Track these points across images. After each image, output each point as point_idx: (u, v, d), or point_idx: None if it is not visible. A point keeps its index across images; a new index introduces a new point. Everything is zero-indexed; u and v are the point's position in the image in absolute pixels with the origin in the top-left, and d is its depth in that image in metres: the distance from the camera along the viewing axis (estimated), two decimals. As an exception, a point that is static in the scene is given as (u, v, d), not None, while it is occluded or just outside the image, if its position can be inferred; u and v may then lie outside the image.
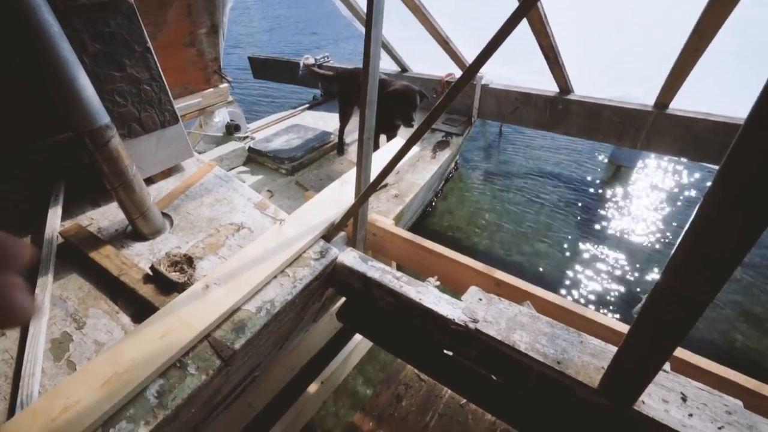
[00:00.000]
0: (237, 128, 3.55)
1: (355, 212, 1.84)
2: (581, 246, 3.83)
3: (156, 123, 1.94)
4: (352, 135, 3.68)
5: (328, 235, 1.88)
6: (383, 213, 2.90)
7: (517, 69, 3.68)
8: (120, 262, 1.58)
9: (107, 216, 1.86)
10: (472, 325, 1.54)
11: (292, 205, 2.80)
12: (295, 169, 3.28)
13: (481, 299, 1.69)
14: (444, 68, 4.09)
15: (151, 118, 1.91)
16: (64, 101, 1.37)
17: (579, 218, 4.25)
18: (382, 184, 2.20)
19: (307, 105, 4.81)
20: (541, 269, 3.60)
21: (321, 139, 3.59)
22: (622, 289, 3.38)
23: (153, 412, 1.23)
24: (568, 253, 3.75)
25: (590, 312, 1.82)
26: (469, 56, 3.65)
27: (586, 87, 3.53)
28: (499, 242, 3.96)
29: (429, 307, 1.64)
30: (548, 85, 3.57)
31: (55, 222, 1.71)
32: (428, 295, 1.70)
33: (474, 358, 1.63)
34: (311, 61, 5.04)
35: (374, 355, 2.71)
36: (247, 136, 3.66)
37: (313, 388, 2.15)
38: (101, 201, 1.96)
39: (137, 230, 1.74)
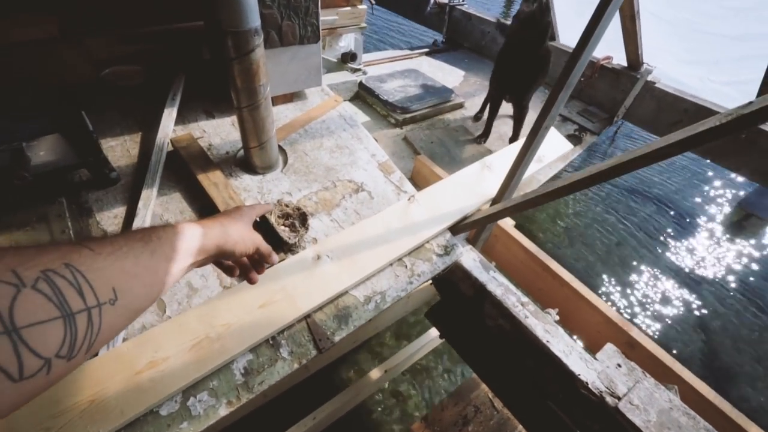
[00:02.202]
0: (353, 57, 3.17)
1: (500, 218, 1.48)
2: (670, 291, 3.21)
3: (295, 36, 1.62)
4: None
5: (455, 229, 1.55)
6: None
7: (706, 73, 2.92)
8: (227, 195, 1.36)
9: (219, 132, 1.64)
10: (610, 400, 1.21)
11: (397, 163, 2.47)
12: (406, 122, 2.90)
13: (620, 365, 1.34)
14: (601, 48, 3.38)
15: (291, 30, 1.59)
16: (216, -14, 1.07)
17: (678, 256, 3.57)
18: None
19: (426, 49, 4.27)
20: (620, 302, 3.09)
21: (441, 95, 3.13)
22: (710, 358, 2.83)
23: (237, 392, 1.04)
24: (651, 294, 3.16)
25: (755, 428, 1.42)
26: (651, 44, 2.92)
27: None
28: (576, 256, 3.43)
29: (556, 355, 1.31)
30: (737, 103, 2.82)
31: (168, 125, 1.50)
32: (558, 339, 1.37)
33: (590, 430, 1.32)
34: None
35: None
36: (360, 69, 3.28)
37: (375, 374, 1.96)
38: (215, 112, 1.73)
39: (249, 160, 1.50)
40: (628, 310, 3.03)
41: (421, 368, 2.44)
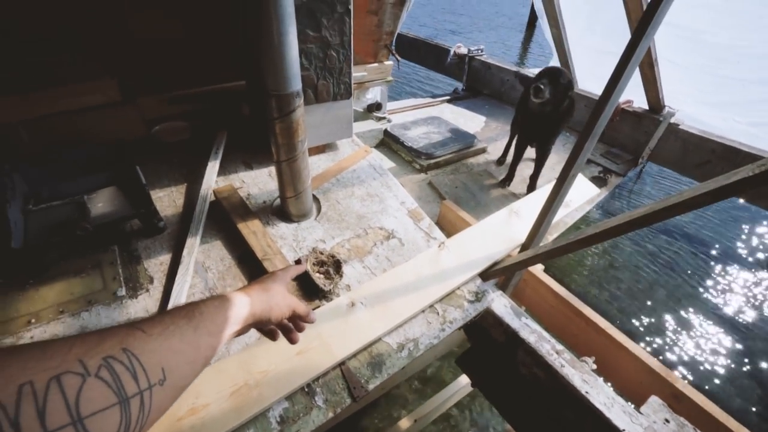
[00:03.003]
0: (378, 107, 3.34)
1: (530, 265, 1.48)
2: (709, 337, 2.99)
3: (329, 94, 1.75)
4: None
5: (485, 275, 1.56)
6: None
7: (724, 115, 2.92)
8: (265, 243, 1.42)
9: (257, 182, 1.74)
10: (660, 461, 1.13)
11: (423, 207, 2.52)
12: (431, 167, 2.98)
13: (668, 420, 1.27)
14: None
15: (326, 89, 1.72)
16: (266, 55, 1.19)
17: (715, 302, 3.35)
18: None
19: (447, 97, 4.46)
20: (653, 347, 2.89)
21: (464, 140, 3.23)
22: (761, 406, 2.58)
23: (273, 441, 1.04)
24: (690, 339, 2.95)
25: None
26: (670, 88, 2.98)
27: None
28: (609, 296, 3.28)
29: (597, 408, 1.26)
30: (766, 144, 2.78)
31: (211, 177, 1.61)
32: (598, 390, 1.31)
33: (640, 495, 1.23)
34: (463, 50, 4.66)
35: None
36: (384, 117, 3.44)
37: (405, 423, 1.90)
38: (253, 163, 1.84)
39: (286, 209, 1.57)
40: (671, 359, 2.86)
41: (450, 418, 2.34)
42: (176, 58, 1.79)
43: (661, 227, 4.19)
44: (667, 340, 2.96)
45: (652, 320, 3.08)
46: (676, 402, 1.62)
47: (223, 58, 1.88)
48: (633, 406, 1.32)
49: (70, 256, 1.32)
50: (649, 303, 3.22)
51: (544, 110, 2.40)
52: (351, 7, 1.59)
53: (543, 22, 3.34)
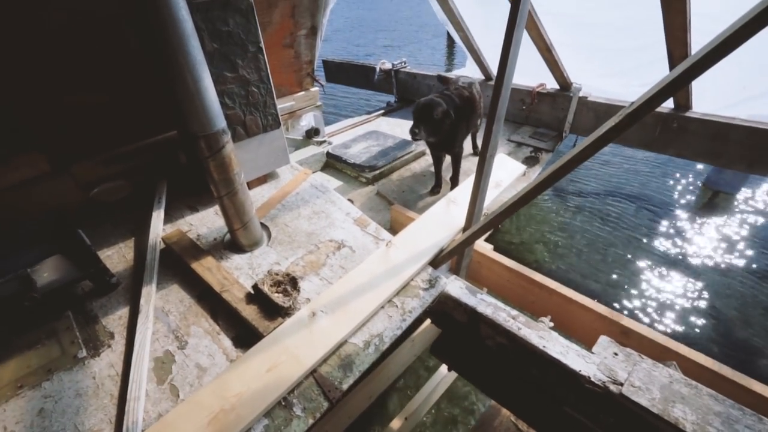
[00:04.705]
0: (316, 132, 3.46)
1: (472, 242, 1.62)
2: (667, 280, 3.30)
3: (259, 127, 1.84)
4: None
5: (435, 262, 1.68)
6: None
7: (623, 81, 3.29)
8: (221, 276, 1.47)
9: (205, 222, 1.79)
10: (614, 388, 1.27)
11: (374, 217, 2.64)
12: (376, 178, 3.12)
13: (616, 353, 1.41)
14: (535, 77, 3.77)
15: (255, 122, 1.82)
16: (185, 102, 1.27)
17: (664, 248, 3.70)
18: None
19: (382, 111, 4.67)
20: (618, 303, 3.14)
21: (402, 148, 3.41)
22: (725, 337, 2.86)
23: (258, 459, 1.08)
24: (650, 287, 3.24)
25: (758, 385, 1.48)
26: (573, 67, 3.32)
27: (705, 104, 3.08)
28: (569, 266, 3.53)
29: (555, 358, 1.39)
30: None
31: (158, 226, 1.65)
32: (553, 342, 1.45)
33: (609, 426, 1.35)
34: (387, 66, 4.92)
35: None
36: (324, 140, 3.56)
37: (396, 424, 1.95)
38: (198, 206, 1.89)
39: (236, 241, 1.63)
40: (634, 308, 3.09)
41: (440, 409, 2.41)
42: (104, 121, 1.82)
43: (605, 191, 4.58)
44: (630, 291, 3.21)
45: (613, 277, 3.34)
46: (626, 338, 1.79)
47: (152, 112, 1.92)
48: (586, 348, 1.45)
49: (23, 331, 1.31)
50: (608, 260, 3.49)
51: (430, 142, 2.63)
52: (262, 45, 1.71)
53: (450, 29, 3.64)
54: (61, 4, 1.50)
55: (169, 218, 1.78)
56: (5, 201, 1.60)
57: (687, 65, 0.94)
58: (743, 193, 4.49)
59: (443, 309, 1.70)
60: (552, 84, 3.69)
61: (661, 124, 3.18)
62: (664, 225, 3.97)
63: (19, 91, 1.57)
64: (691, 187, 4.67)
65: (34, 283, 1.29)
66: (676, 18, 2.27)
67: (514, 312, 1.56)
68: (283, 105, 2.57)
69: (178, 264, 1.54)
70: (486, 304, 1.59)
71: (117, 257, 1.60)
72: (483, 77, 4.14)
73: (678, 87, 0.99)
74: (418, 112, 2.48)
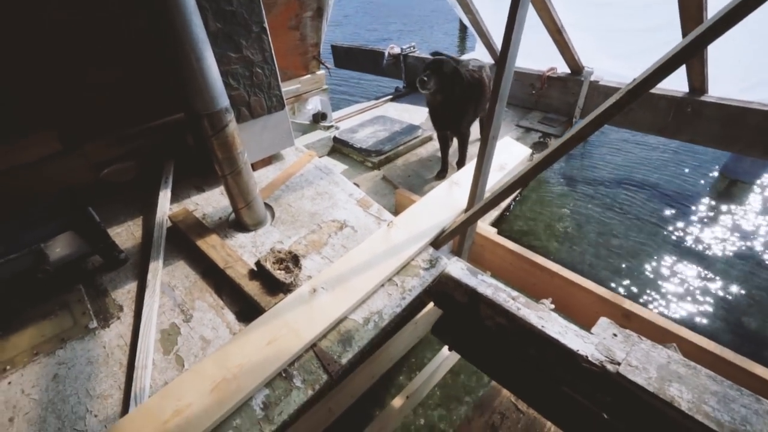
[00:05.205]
0: (324, 117, 3.46)
1: (474, 222, 1.62)
2: (679, 269, 3.24)
3: (263, 108, 1.86)
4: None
5: (436, 242, 1.69)
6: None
7: (632, 64, 3.19)
8: (225, 253, 1.51)
9: (211, 202, 1.82)
10: (611, 367, 1.28)
11: (380, 201, 2.64)
12: (382, 163, 3.12)
13: (615, 334, 1.42)
14: (545, 61, 3.70)
15: (259, 103, 1.83)
16: (188, 80, 1.29)
17: (677, 238, 3.63)
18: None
19: (390, 96, 4.64)
20: (632, 290, 3.11)
21: (408, 132, 3.40)
22: (736, 327, 2.82)
23: (259, 425, 1.12)
24: (663, 276, 3.19)
25: (760, 368, 1.47)
26: (584, 49, 3.24)
27: (722, 88, 2.98)
28: (580, 254, 3.49)
29: (553, 337, 1.40)
30: (674, 84, 3.06)
31: (165, 205, 1.69)
32: (552, 322, 1.46)
33: (606, 405, 1.37)
34: (397, 50, 4.86)
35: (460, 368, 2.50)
36: (332, 125, 3.57)
37: (398, 402, 1.99)
38: (204, 186, 1.92)
39: (240, 220, 1.67)
40: (642, 295, 3.06)
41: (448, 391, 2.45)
42: (117, 101, 1.85)
43: (617, 179, 4.49)
44: (639, 279, 3.18)
45: (623, 265, 3.30)
46: (627, 321, 1.79)
47: (161, 94, 1.95)
48: (585, 329, 1.45)
49: (37, 303, 1.37)
50: (619, 249, 3.45)
51: (436, 99, 2.55)
52: (266, 25, 1.71)
53: (458, 11, 3.57)
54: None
55: (176, 198, 1.82)
56: (18, 178, 1.66)
57: (683, 45, 0.93)
58: (762, 183, 4.37)
59: (444, 289, 1.72)
60: (563, 68, 3.61)
61: (674, 108, 3.10)
62: (678, 214, 3.89)
63: (33, 69, 1.60)
64: (708, 175, 4.55)
65: (47, 257, 1.35)
66: (691, -4, 2.20)
67: (514, 293, 1.57)
68: (288, 88, 2.58)
69: (184, 241, 1.59)
70: (486, 285, 1.60)
71: (126, 234, 1.65)
72: (492, 61, 4.06)
73: (672, 66, 0.97)
74: (430, 64, 2.46)
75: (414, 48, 4.82)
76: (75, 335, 1.28)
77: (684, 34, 2.46)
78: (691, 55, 0.96)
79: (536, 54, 3.55)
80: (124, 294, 1.40)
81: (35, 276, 1.26)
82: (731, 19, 0.85)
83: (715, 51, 2.68)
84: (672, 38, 2.58)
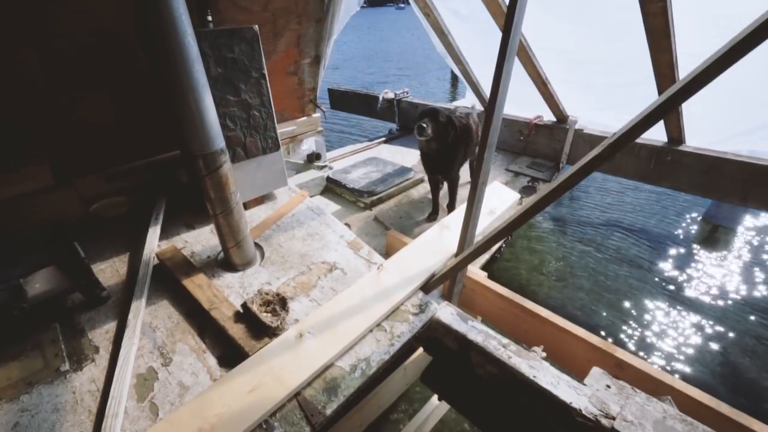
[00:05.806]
0: (318, 157, 3.53)
1: (464, 267, 1.63)
2: (669, 314, 3.23)
3: (258, 149, 1.89)
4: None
5: (426, 287, 1.68)
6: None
7: (617, 115, 3.37)
8: (211, 293, 1.47)
9: (200, 240, 1.80)
10: (605, 422, 1.24)
11: (371, 242, 2.65)
12: (374, 203, 3.16)
13: (609, 386, 1.39)
14: (532, 109, 3.87)
15: (255, 144, 1.87)
16: (187, 121, 1.32)
17: (664, 283, 3.64)
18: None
19: (383, 138, 4.77)
20: (614, 337, 3.08)
21: (401, 174, 3.47)
22: (728, 375, 2.78)
23: (234, 484, 1.05)
24: (648, 322, 3.17)
25: (759, 424, 1.43)
26: (569, 100, 3.42)
27: (699, 139, 3.13)
28: (569, 298, 3.48)
29: (545, 388, 1.36)
30: (654, 134, 3.21)
31: (153, 242, 1.67)
32: (544, 372, 1.43)
33: (600, 464, 1.31)
34: (390, 95, 5.06)
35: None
36: (325, 165, 3.63)
37: (384, 455, 1.89)
38: (195, 223, 1.91)
39: (229, 260, 1.64)
40: (631, 343, 3.03)
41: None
42: (109, 138, 1.87)
43: (605, 222, 4.58)
44: (628, 325, 3.16)
45: (610, 311, 3.29)
46: (620, 370, 1.75)
47: (157, 131, 1.99)
48: (578, 379, 1.42)
49: (9, 342, 1.30)
50: (606, 293, 3.46)
51: (431, 146, 2.64)
52: (265, 71, 1.78)
53: (449, 62, 3.78)
54: (82, 23, 1.59)
55: (165, 234, 1.80)
56: (7, 211, 1.63)
57: (657, 104, 0.99)
58: (743, 227, 4.48)
59: (434, 335, 1.69)
60: (549, 116, 3.78)
61: (655, 157, 3.23)
62: (663, 259, 3.94)
63: (28, 104, 1.63)
64: (689, 221, 4.67)
65: (25, 293, 1.30)
66: (663, 56, 2.36)
67: (505, 340, 1.55)
68: (284, 129, 2.65)
69: (170, 280, 1.55)
70: (477, 332, 1.58)
71: (110, 271, 1.61)
72: (482, 108, 4.24)
73: (649, 123, 1.03)
74: (427, 112, 2.54)
75: (407, 93, 5.03)
76: (44, 379, 1.21)
77: (660, 91, 2.61)
78: (665, 113, 1.01)
79: (524, 102, 3.72)
80: (101, 334, 1.35)
81: (10, 313, 1.21)
82: (702, 80, 0.92)
83: (689, 106, 2.85)
84: (650, 92, 2.74)
